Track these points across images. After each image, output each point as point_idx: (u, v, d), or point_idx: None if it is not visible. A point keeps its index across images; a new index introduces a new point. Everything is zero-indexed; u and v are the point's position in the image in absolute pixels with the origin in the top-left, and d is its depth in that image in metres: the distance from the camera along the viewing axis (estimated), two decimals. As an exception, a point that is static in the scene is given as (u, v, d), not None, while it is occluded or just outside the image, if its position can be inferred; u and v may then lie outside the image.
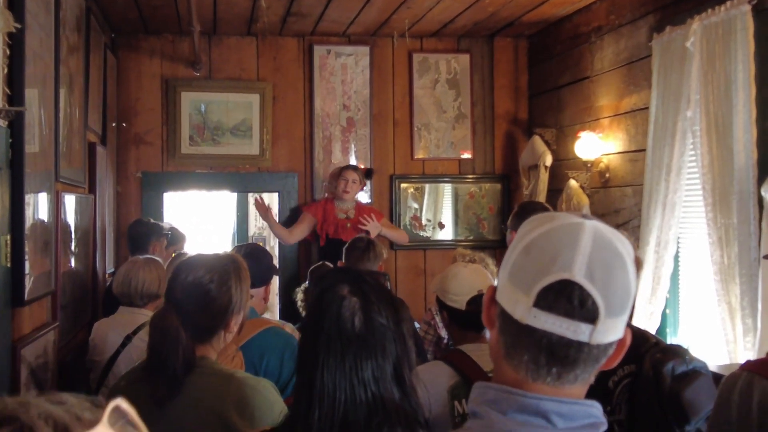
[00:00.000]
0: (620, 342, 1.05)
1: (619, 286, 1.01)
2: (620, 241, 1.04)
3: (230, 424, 1.93)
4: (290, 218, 6.39)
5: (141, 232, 4.99)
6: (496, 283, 1.11)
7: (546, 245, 1.02)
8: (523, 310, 1.02)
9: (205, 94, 6.28)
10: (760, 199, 3.56)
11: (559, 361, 1.02)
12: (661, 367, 2.36)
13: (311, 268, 4.43)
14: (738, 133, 3.68)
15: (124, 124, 6.18)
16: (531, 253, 1.03)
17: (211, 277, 2.05)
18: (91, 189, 4.81)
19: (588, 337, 1.00)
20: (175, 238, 5.37)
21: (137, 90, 6.24)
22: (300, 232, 6.05)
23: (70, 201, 4.05)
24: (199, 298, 2.04)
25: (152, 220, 5.26)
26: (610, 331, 1.02)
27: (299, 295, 4.47)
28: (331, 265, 4.39)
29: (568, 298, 0.99)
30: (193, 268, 2.07)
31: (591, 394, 1.09)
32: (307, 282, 4.37)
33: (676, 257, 4.54)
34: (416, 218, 6.67)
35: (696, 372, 2.42)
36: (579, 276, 0.99)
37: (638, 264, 2.48)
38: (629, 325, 1.08)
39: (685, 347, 2.54)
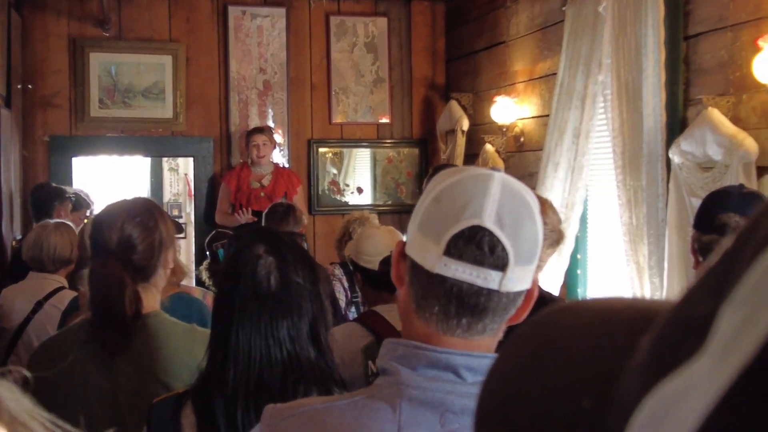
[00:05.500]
0: (528, 293, 1.06)
1: (527, 234, 1.02)
2: (527, 192, 1.06)
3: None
4: (209, 188, 6.30)
5: (43, 197, 4.83)
6: (405, 237, 1.11)
7: (456, 194, 1.02)
8: (434, 258, 1.01)
9: (115, 55, 6.09)
10: (668, 162, 3.66)
11: (469, 310, 1.03)
12: None
13: (207, 240, 4.30)
14: (648, 97, 3.77)
15: (30, 86, 5.94)
16: (441, 202, 1.03)
17: (134, 218, 2.01)
18: (-5, 153, 4.62)
19: (498, 285, 1.01)
20: (79, 203, 5.20)
21: (44, 50, 6.00)
22: (228, 208, 5.97)
23: (-28, 165, 3.88)
24: (130, 243, 1.99)
25: (54, 184, 5.09)
26: (519, 280, 1.03)
27: (204, 273, 4.31)
28: (230, 232, 4.30)
29: (478, 245, 1.00)
30: (114, 216, 2.02)
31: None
32: (209, 259, 4.23)
33: (584, 218, 4.67)
34: (335, 183, 6.65)
35: None
36: (489, 222, 1.00)
37: (560, 237, 2.51)
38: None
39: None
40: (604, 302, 0.36)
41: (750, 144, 3.23)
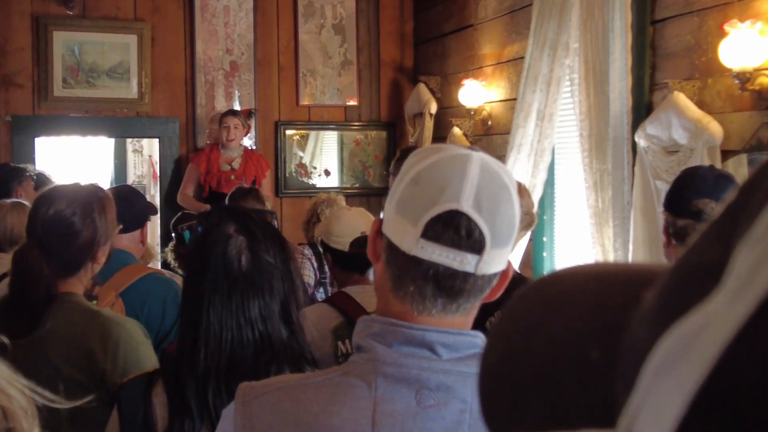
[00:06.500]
0: (503, 273, 1.07)
1: (505, 217, 1.02)
2: (506, 173, 1.06)
3: (94, 358, 1.91)
4: (174, 169, 6.24)
5: (1, 178, 4.75)
6: (382, 216, 1.11)
7: (434, 176, 1.02)
8: (411, 241, 1.01)
9: (78, 33, 5.98)
10: (634, 145, 3.70)
11: (445, 292, 1.03)
12: None
13: (172, 221, 4.25)
14: (614, 81, 3.80)
15: (-9, 65, 5.83)
16: (419, 183, 1.03)
17: (74, 210, 1.99)
18: (-44, 132, 4.53)
19: (474, 268, 1.01)
20: (41, 182, 5.13)
21: (6, 29, 5.88)
22: (193, 189, 5.92)
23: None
24: (63, 233, 1.97)
25: (12, 164, 5.01)
26: (495, 262, 1.03)
27: (170, 256, 4.27)
28: (194, 213, 4.27)
29: (456, 229, 1.00)
30: (53, 201, 2.00)
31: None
32: (175, 241, 4.19)
33: (551, 201, 4.71)
34: (302, 165, 6.62)
35: None
36: (467, 206, 1.00)
37: (532, 220, 2.52)
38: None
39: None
40: (601, 265, 0.37)
41: (715, 128, 3.28)
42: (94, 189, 2.12)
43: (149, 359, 1.97)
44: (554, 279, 0.37)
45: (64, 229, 1.97)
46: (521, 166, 4.62)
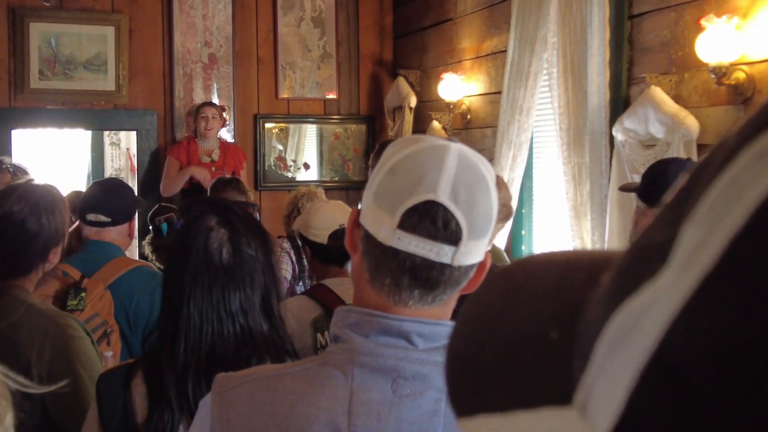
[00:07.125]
0: (481, 265, 1.07)
1: (482, 209, 1.02)
2: (484, 165, 1.06)
3: (19, 350, 1.91)
4: (152, 162, 6.20)
5: None
6: (360, 206, 1.11)
7: (411, 166, 1.02)
8: (388, 231, 1.01)
9: (55, 25, 5.91)
10: (611, 139, 3.73)
11: (422, 283, 1.03)
12: None
13: (149, 214, 4.24)
14: (592, 75, 3.83)
15: (-35, 56, 5.76)
16: (396, 174, 1.02)
17: (25, 212, 1.97)
18: (-69, 124, 4.48)
19: (450, 259, 1.01)
20: (18, 174, 5.08)
21: (-20, 19, 5.82)
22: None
23: None
24: (13, 235, 1.96)
25: None
26: (472, 254, 1.03)
27: (147, 248, 4.26)
28: (174, 206, 4.26)
29: (432, 220, 1.00)
30: (5, 202, 1.98)
31: None
32: (152, 233, 4.18)
33: (530, 195, 4.74)
34: (281, 159, 6.60)
35: None
36: (443, 197, 0.99)
37: (509, 213, 2.54)
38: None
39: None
40: (566, 252, 0.38)
41: (691, 122, 3.31)
42: (48, 189, 2.10)
43: (83, 355, 1.96)
44: (520, 265, 0.38)
45: (14, 231, 1.95)
46: (506, 161, 4.63)
